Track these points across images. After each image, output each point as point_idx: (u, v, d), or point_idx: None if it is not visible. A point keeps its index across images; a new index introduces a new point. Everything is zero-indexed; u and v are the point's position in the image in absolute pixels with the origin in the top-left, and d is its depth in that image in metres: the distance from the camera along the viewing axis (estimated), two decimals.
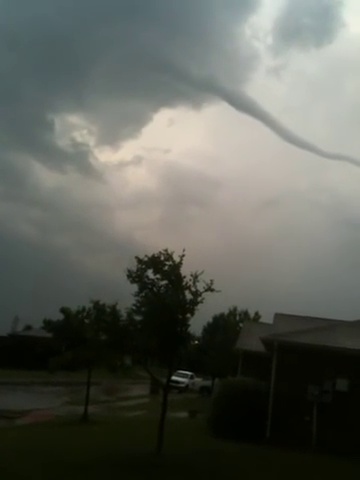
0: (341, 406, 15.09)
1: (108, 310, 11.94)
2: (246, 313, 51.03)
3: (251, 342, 22.14)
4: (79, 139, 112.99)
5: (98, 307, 12.27)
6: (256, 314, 51.02)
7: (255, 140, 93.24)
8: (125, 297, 11.92)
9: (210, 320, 50.01)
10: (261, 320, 45.18)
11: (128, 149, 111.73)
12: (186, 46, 69.16)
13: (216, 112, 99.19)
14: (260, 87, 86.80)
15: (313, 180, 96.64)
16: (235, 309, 51.43)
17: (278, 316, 24.34)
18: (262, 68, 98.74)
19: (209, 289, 10.96)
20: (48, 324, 46.21)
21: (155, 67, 68.42)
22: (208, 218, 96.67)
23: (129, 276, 11.12)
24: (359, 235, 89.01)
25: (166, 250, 11.13)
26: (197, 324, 42.77)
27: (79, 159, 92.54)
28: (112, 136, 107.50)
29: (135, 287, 11.25)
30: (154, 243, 70.51)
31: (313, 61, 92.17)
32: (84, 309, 17.79)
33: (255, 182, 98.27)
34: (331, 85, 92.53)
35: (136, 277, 11.11)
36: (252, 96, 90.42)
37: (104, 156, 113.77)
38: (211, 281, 10.94)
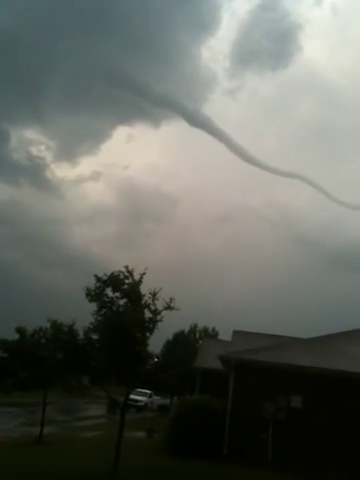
0: (296, 423, 15.37)
1: (65, 329, 11.84)
2: (206, 330, 51.32)
3: (210, 360, 22.28)
4: (36, 153, 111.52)
5: (55, 326, 12.14)
6: (213, 330, 51.40)
7: (212, 158, 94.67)
8: (82, 312, 11.87)
9: (170, 337, 50.03)
10: (219, 336, 45.59)
11: (86, 165, 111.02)
12: (146, 64, 69.84)
13: (174, 130, 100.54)
14: (217, 107, 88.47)
15: (266, 197, 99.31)
16: (195, 326, 51.67)
17: (236, 333, 24.65)
18: (219, 89, 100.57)
19: (168, 307, 11.06)
20: (3, 344, 44.75)
21: (115, 83, 68.47)
22: (165, 234, 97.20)
23: (88, 295, 11.08)
24: (309, 251, 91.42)
25: (126, 267, 11.19)
26: (157, 341, 42.73)
27: (35, 173, 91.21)
28: (70, 152, 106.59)
29: (93, 304, 11.21)
30: (111, 258, 69.96)
31: (269, 83, 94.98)
32: (41, 329, 17.56)
33: (210, 198, 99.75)
34: (285, 106, 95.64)
35: (95, 295, 11.09)
36: (210, 115, 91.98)
37: (62, 171, 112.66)
38: (170, 299, 11.05)
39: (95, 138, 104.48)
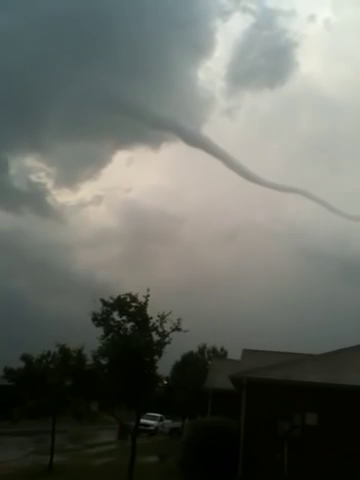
0: (311, 440, 15.05)
1: (74, 354, 11.72)
2: (214, 350, 50.74)
3: (220, 380, 21.99)
4: (36, 180, 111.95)
5: (63, 351, 12.03)
6: (222, 350, 50.82)
7: (213, 177, 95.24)
8: (90, 338, 11.75)
9: (179, 359, 49.49)
10: (228, 355, 45.04)
11: (87, 190, 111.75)
12: (144, 89, 70.58)
13: (175, 151, 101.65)
14: (217, 127, 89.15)
15: (269, 212, 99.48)
16: (204, 347, 51.13)
17: (246, 352, 24.38)
18: (218, 109, 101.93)
19: (176, 329, 10.95)
20: (9, 373, 44.49)
21: (113, 108, 69.16)
22: (170, 254, 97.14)
23: (94, 319, 10.99)
24: (317, 265, 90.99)
25: (130, 294, 11.12)
26: (166, 363, 42.24)
27: (36, 200, 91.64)
28: (71, 178, 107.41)
29: (101, 329, 11.11)
30: (117, 282, 69.83)
31: (266, 100, 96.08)
32: (49, 353, 17.36)
33: (214, 217, 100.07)
34: (284, 122, 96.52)
35: (101, 320, 11.00)
36: (209, 135, 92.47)
37: (63, 197, 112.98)
38: (178, 321, 10.94)
39: (95, 163, 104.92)
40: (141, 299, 11.08)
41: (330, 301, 73.57)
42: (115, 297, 10.89)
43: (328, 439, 14.93)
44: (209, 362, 44.17)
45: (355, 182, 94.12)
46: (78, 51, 63.02)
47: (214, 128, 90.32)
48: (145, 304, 11.04)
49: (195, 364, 45.29)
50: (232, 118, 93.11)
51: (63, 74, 64.03)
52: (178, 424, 41.83)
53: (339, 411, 15.16)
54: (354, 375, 15.80)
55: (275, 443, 15.09)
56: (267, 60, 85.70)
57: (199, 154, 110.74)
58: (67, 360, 11.90)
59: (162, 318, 10.88)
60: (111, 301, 10.86)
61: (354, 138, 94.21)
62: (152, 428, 37.40)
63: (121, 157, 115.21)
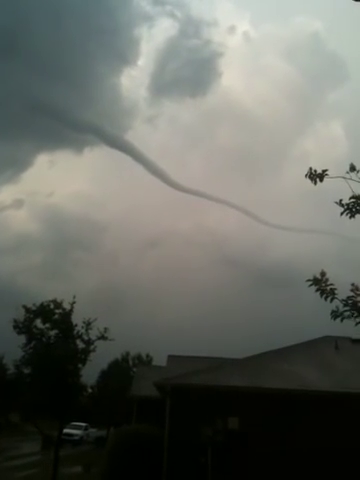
0: (234, 444, 15.40)
1: None
2: (140, 357, 50.67)
3: (145, 387, 21.96)
4: None
5: None
6: (147, 356, 50.91)
7: (137, 184, 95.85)
8: (9, 347, 11.37)
9: (105, 367, 48.88)
10: (154, 362, 45.17)
11: (7, 193, 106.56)
12: (65, 93, 69.29)
13: (98, 156, 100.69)
14: (139, 134, 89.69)
15: (193, 221, 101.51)
16: (128, 354, 50.88)
17: (171, 358, 24.57)
18: (141, 117, 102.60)
19: (102, 337, 10.86)
20: None
21: (35, 110, 67.24)
22: (93, 262, 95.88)
23: (16, 327, 10.66)
24: (236, 272, 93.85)
25: (55, 300, 10.90)
26: (92, 372, 41.51)
27: None
28: None
29: (22, 337, 10.78)
30: (39, 289, 67.63)
31: (188, 110, 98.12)
32: None
33: (138, 224, 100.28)
34: (206, 133, 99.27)
35: (23, 327, 10.68)
36: (133, 142, 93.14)
37: None
38: (105, 329, 10.86)
39: (15, 166, 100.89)
40: (66, 306, 10.89)
41: (250, 307, 76.03)
42: (38, 304, 10.64)
43: (250, 442, 15.35)
44: (134, 369, 44.08)
45: (270, 193, 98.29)
46: None
47: (137, 136, 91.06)
48: (70, 311, 10.86)
49: (120, 372, 44.98)
50: (155, 126, 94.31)
51: None
52: (103, 433, 41.26)
53: (260, 414, 15.65)
54: (274, 378, 16.43)
55: (199, 448, 15.31)
56: (189, 71, 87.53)
57: (123, 160, 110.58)
58: None
59: (87, 325, 10.75)
60: (34, 308, 10.58)
61: (269, 152, 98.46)
62: (77, 438, 36.63)
63: (43, 160, 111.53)
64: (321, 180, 5.52)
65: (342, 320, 5.04)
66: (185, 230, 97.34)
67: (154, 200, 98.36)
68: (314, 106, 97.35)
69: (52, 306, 10.79)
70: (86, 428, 40.60)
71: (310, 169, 5.55)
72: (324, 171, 5.51)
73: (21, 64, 62.31)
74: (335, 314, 5.02)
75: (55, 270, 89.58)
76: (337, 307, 5.05)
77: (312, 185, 5.41)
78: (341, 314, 5.00)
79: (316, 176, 5.52)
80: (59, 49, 64.76)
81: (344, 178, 5.29)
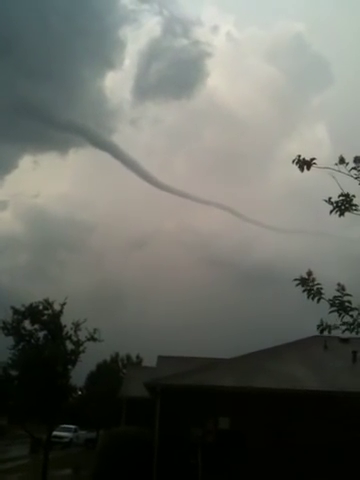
0: (225, 444, 15.39)
1: None
2: (129, 358, 50.48)
3: (135, 388, 21.90)
4: None
5: None
6: (137, 357, 50.73)
7: (122, 185, 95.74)
8: None
9: (94, 368, 48.61)
10: (144, 363, 45.01)
11: None
12: (50, 92, 68.84)
13: (83, 158, 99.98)
14: (125, 136, 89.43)
15: (178, 221, 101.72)
16: (117, 355, 50.66)
17: (161, 359, 24.55)
18: (126, 119, 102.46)
19: (92, 338, 10.78)
20: None
21: (20, 112, 66.62)
22: (79, 262, 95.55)
23: (4, 328, 10.54)
24: (222, 271, 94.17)
25: (46, 300, 10.81)
26: (80, 373, 41.26)
27: None
28: None
29: (10, 339, 10.66)
30: (24, 290, 67.16)
31: (173, 111, 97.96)
32: None
33: (125, 224, 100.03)
34: (192, 134, 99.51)
35: (12, 329, 10.56)
36: (118, 143, 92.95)
37: None
38: (94, 330, 10.78)
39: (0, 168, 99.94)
40: (57, 307, 10.82)
41: (237, 307, 76.34)
42: (27, 305, 10.54)
43: (241, 442, 15.35)
44: (124, 371, 43.89)
45: (255, 193, 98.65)
46: None
47: (122, 137, 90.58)
48: (59, 312, 10.78)
49: (109, 373, 44.77)
50: (140, 128, 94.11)
51: None
52: (93, 435, 41.03)
53: (251, 414, 15.66)
54: (263, 378, 16.45)
55: (189, 449, 15.27)
56: (175, 71, 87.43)
57: (108, 161, 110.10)
58: None
59: (76, 326, 10.67)
60: (23, 309, 10.48)
61: (256, 151, 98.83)
62: (66, 440, 36.37)
63: (27, 161, 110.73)
64: (308, 168, 5.49)
65: (330, 332, 5.04)
66: (171, 230, 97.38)
67: (139, 201, 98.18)
68: (298, 108, 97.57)
69: (41, 307, 10.67)
70: (75, 430, 40.34)
71: (298, 156, 5.52)
72: (312, 159, 5.49)
73: (6, 64, 61.74)
74: (322, 328, 5.01)
75: (41, 271, 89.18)
76: (322, 321, 5.01)
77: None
78: (328, 327, 4.99)
79: (304, 163, 5.50)
80: (44, 50, 64.32)
81: (332, 169, 5.25)
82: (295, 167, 5.51)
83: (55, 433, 13.07)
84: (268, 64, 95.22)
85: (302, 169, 5.48)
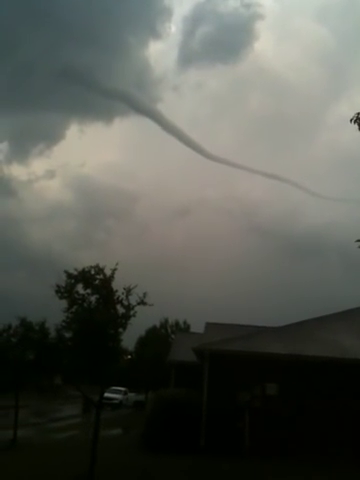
0: (271, 410, 15.51)
1: (36, 327, 11.57)
2: (177, 324, 51.31)
3: (183, 353, 22.27)
4: None
5: (25, 325, 11.83)
6: (185, 323, 51.48)
7: (167, 153, 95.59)
8: (48, 312, 11.57)
9: (143, 333, 49.83)
10: (192, 329, 45.67)
11: (40, 164, 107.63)
12: (96, 61, 68.54)
13: (128, 127, 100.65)
14: (170, 104, 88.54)
15: (222, 190, 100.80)
16: (166, 321, 51.58)
17: (209, 325, 24.74)
18: (170, 86, 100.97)
19: (142, 302, 10.91)
20: None
21: (65, 78, 66.92)
22: (125, 230, 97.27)
23: (58, 291, 10.81)
24: (267, 240, 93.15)
25: (97, 265, 10.97)
26: (131, 337, 42.43)
27: None
28: (22, 152, 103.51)
29: (61, 304, 10.92)
30: (73, 256, 69.08)
31: (220, 77, 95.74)
32: (10, 327, 16.82)
33: (169, 193, 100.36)
34: (237, 100, 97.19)
35: (65, 292, 10.82)
36: (165, 111, 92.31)
37: (14, 171, 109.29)
38: (144, 294, 10.89)
39: (48, 136, 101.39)
40: (107, 272, 10.97)
41: (282, 277, 75.70)
42: (79, 269, 10.76)
43: (288, 409, 15.41)
44: (172, 336, 44.65)
45: (301, 160, 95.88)
46: (28, 19, 59.83)
47: (167, 105, 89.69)
48: (111, 277, 10.94)
49: (158, 338, 45.74)
50: (184, 95, 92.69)
51: (10, 40, 60.57)
52: (142, 397, 42.36)
53: (299, 381, 15.65)
54: (312, 346, 16.31)
55: (237, 413, 15.49)
56: (222, 35, 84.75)
57: (152, 130, 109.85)
58: (29, 334, 11.71)
59: (128, 291, 10.82)
60: (75, 273, 10.72)
61: (302, 118, 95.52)
62: (116, 402, 37.73)
63: (74, 131, 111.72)
64: None
65: None
66: (215, 198, 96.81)
67: (184, 169, 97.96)
68: (348, 71, 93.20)
69: (93, 272, 10.85)
70: (125, 392, 41.74)
71: (357, 114, 5.25)
72: None
73: (51, 28, 61.74)
74: None
75: (88, 238, 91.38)
76: None
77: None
78: None
79: None
80: (89, 16, 63.93)
81: None
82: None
83: (106, 395, 13.49)
84: (318, 25, 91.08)
85: None
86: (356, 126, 5.35)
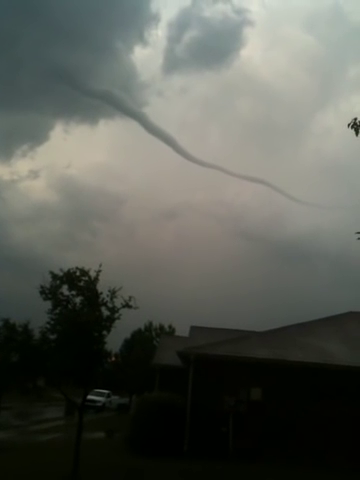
0: (256, 415, 15.52)
1: (19, 329, 11.43)
2: (162, 328, 51.23)
3: (168, 356, 22.20)
4: None
5: (8, 326, 11.69)
6: (170, 327, 51.43)
7: (152, 156, 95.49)
8: (32, 313, 11.47)
9: (128, 336, 49.66)
10: (176, 333, 45.64)
11: (24, 165, 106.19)
12: (87, 65, 68.13)
13: (114, 129, 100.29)
14: (157, 108, 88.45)
15: (210, 194, 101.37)
16: (150, 324, 51.46)
17: (194, 329, 24.72)
18: (157, 90, 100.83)
19: (127, 305, 10.86)
20: None
21: (51, 78, 66.38)
22: (111, 232, 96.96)
23: (42, 293, 10.71)
24: (253, 245, 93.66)
25: (82, 268, 10.91)
26: (116, 340, 42.20)
27: None
28: (5, 152, 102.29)
29: (45, 305, 10.82)
30: (57, 257, 68.55)
31: (206, 83, 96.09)
32: None
33: (156, 196, 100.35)
34: (225, 105, 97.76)
35: (50, 293, 10.73)
36: (151, 116, 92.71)
37: None
38: (129, 297, 10.84)
39: (33, 136, 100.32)
40: (92, 274, 10.91)
41: (268, 281, 76.06)
42: (64, 271, 10.68)
43: (272, 413, 15.44)
44: (157, 339, 44.55)
45: (287, 166, 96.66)
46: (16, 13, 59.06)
47: (154, 110, 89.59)
48: (96, 279, 10.88)
49: (143, 341, 45.62)
50: (170, 100, 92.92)
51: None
52: (125, 400, 42.14)
53: (283, 386, 15.68)
54: (297, 351, 16.37)
55: (221, 418, 15.47)
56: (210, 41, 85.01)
57: (137, 133, 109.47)
58: (12, 335, 11.54)
59: (113, 293, 10.76)
60: (60, 274, 10.63)
61: (290, 121, 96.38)
62: (99, 404, 37.46)
63: (59, 132, 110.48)
64: None
65: None
66: (202, 202, 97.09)
67: (170, 173, 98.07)
68: (335, 79, 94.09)
69: (78, 273, 10.78)
70: (109, 395, 41.48)
71: (354, 119, 5.31)
72: None
73: (39, 27, 61.24)
74: None
75: (74, 240, 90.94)
76: None
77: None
78: None
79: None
80: (79, 17, 63.54)
81: None
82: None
83: (89, 397, 13.38)
84: (305, 33, 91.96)
85: (357, 132, 5.28)
86: (353, 131, 5.40)
